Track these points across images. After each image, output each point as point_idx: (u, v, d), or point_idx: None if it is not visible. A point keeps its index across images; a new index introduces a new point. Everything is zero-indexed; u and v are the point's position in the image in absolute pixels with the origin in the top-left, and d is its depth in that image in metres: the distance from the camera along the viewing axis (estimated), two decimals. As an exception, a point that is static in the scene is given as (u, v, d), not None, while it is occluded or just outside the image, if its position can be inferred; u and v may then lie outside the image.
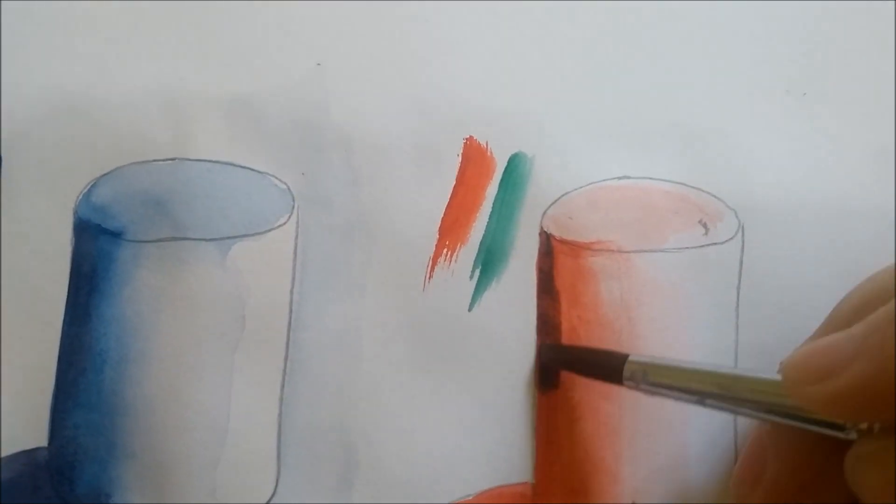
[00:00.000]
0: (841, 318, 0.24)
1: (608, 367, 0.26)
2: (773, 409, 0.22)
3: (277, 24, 0.30)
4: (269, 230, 0.29)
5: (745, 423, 0.29)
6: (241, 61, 0.30)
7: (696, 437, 0.28)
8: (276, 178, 0.30)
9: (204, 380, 0.28)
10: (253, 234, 0.29)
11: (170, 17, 0.30)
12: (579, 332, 0.29)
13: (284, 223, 0.29)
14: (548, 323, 0.29)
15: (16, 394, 0.28)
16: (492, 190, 0.30)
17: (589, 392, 0.28)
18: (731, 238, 0.30)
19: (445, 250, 0.29)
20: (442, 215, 0.30)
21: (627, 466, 0.28)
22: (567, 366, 0.28)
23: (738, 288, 0.29)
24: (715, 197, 0.30)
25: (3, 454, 0.28)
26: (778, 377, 0.22)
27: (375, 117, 0.30)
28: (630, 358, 0.26)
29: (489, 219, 0.30)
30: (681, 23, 0.32)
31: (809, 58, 0.32)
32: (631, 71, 0.31)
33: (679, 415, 0.28)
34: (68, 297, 0.28)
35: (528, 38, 0.31)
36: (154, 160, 0.29)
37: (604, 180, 0.30)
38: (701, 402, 0.24)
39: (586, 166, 0.30)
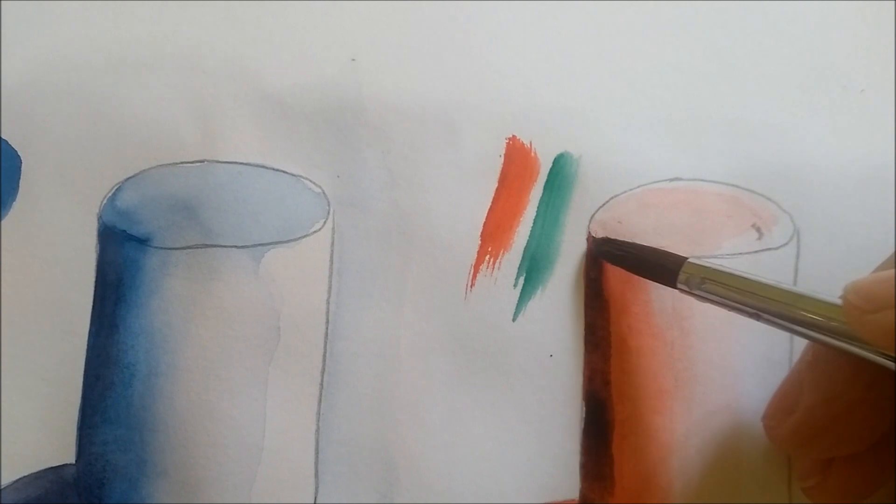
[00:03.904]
0: None
1: (663, 268, 0.25)
2: (827, 331, 0.22)
3: (310, 17, 0.29)
4: (304, 236, 0.28)
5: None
6: (271, 57, 0.29)
7: (750, 453, 0.27)
8: (311, 180, 0.28)
9: (237, 394, 0.27)
10: (287, 241, 0.27)
11: (196, 12, 0.29)
12: (629, 343, 0.28)
13: (320, 229, 0.28)
14: (596, 333, 0.28)
15: (42, 408, 0.27)
16: (536, 192, 0.29)
17: (638, 406, 0.27)
18: (786, 243, 0.29)
19: (488, 257, 0.28)
20: (484, 220, 0.28)
21: (679, 483, 0.27)
22: (620, 261, 0.27)
23: (794, 296, 0.28)
24: (769, 199, 0.29)
25: (30, 471, 0.27)
26: (838, 301, 0.22)
27: (413, 115, 0.29)
28: (689, 259, 0.25)
29: (534, 223, 0.28)
30: (734, 15, 0.30)
31: (868, 52, 0.30)
32: (681, 65, 0.30)
33: (732, 428, 0.27)
34: (94, 307, 0.27)
35: (573, 30, 0.30)
36: (181, 162, 0.28)
37: (654, 182, 0.29)
38: (756, 316, 0.24)
39: (636, 167, 0.29)
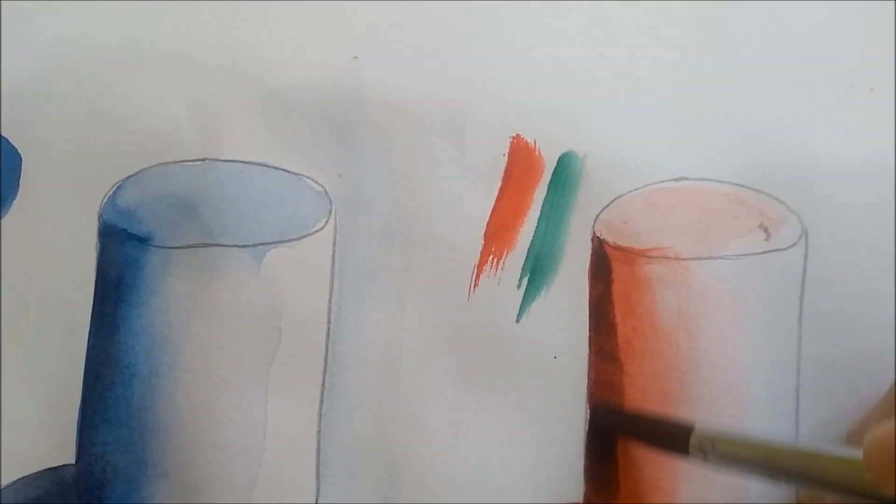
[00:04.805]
0: None
1: (672, 440, 0.24)
2: (852, 488, 0.21)
3: (312, 15, 0.29)
4: (306, 236, 0.27)
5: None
6: (273, 55, 0.28)
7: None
8: (312, 179, 0.28)
9: (238, 395, 0.27)
10: (288, 241, 0.27)
11: (197, 10, 0.28)
12: (634, 345, 0.27)
13: (321, 228, 0.28)
14: (601, 335, 0.27)
15: (41, 408, 0.27)
16: (540, 192, 0.28)
17: (643, 408, 0.27)
18: (794, 244, 0.28)
19: (491, 257, 0.28)
20: (487, 219, 0.28)
21: (684, 486, 0.27)
22: (624, 432, 0.27)
23: (802, 297, 0.28)
24: (776, 199, 0.28)
25: (29, 471, 0.26)
26: (858, 455, 0.20)
27: (415, 114, 0.28)
28: (696, 431, 0.24)
29: (538, 223, 0.28)
30: (741, 13, 0.30)
31: (876, 50, 0.30)
32: (688, 64, 0.29)
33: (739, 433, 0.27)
34: (94, 306, 0.27)
35: (578, 28, 0.29)
36: (182, 161, 0.28)
37: (660, 182, 0.28)
38: (774, 480, 0.23)
39: (641, 166, 0.28)
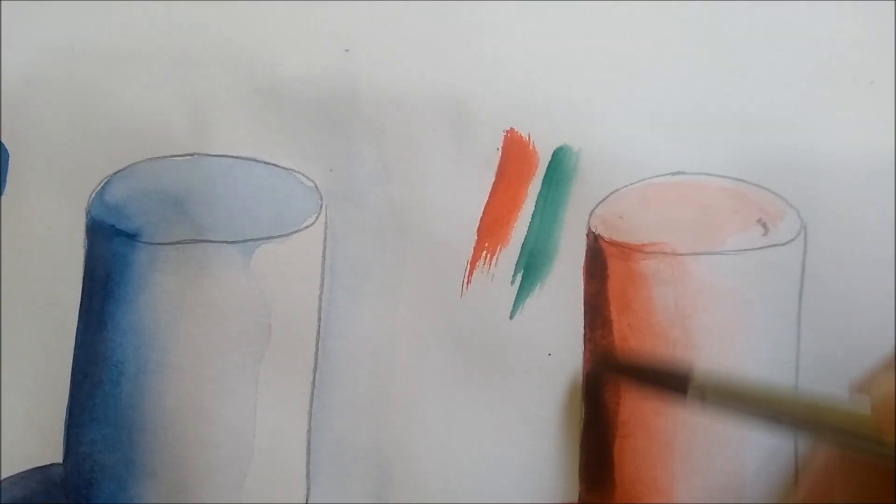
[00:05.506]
0: None
1: (670, 383, 0.24)
2: (854, 440, 0.21)
3: (303, 8, 0.28)
4: (296, 231, 0.27)
5: (806, 441, 0.27)
6: (263, 48, 0.28)
7: (754, 454, 0.27)
8: (303, 174, 0.27)
9: (227, 392, 0.26)
10: (278, 236, 0.27)
11: (187, 3, 0.28)
12: (630, 342, 0.27)
13: (312, 224, 0.27)
14: (596, 331, 0.27)
15: (29, 406, 0.26)
16: (535, 187, 0.28)
17: (639, 406, 0.27)
18: (793, 239, 0.28)
19: (485, 253, 0.27)
20: (481, 215, 0.28)
21: (681, 486, 0.26)
22: (622, 376, 0.26)
23: (801, 293, 0.27)
24: (775, 194, 0.28)
25: (17, 470, 0.26)
26: (865, 409, 0.20)
27: (408, 108, 0.28)
28: (695, 374, 0.23)
29: (532, 218, 0.28)
30: (737, 5, 0.29)
31: (877, 42, 0.29)
32: (684, 56, 0.29)
33: (736, 431, 0.27)
34: (82, 303, 0.27)
35: (573, 20, 0.29)
36: (171, 156, 0.27)
37: (657, 176, 0.28)
38: (773, 426, 0.22)
39: (637, 160, 0.28)
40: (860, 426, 0.20)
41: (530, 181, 0.28)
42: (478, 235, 0.28)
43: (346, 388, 0.27)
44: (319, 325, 0.27)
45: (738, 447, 0.27)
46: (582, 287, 0.27)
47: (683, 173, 0.28)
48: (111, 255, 0.27)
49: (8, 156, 0.27)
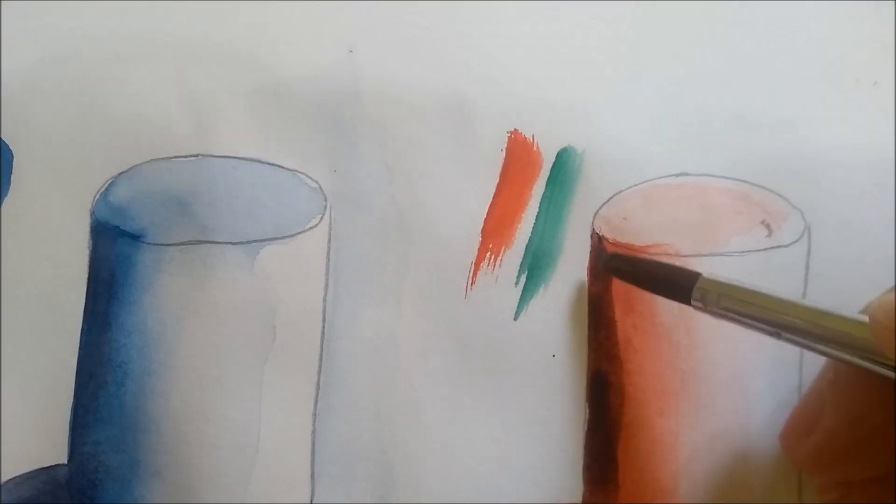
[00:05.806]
0: None
1: (676, 285, 0.24)
2: (853, 349, 0.21)
3: (306, 8, 0.28)
4: (300, 233, 0.27)
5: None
6: (266, 49, 0.28)
7: (758, 455, 0.27)
8: (307, 175, 0.27)
9: (232, 394, 0.26)
10: (282, 238, 0.27)
11: (190, 3, 0.28)
12: (634, 343, 0.27)
13: (316, 225, 0.27)
14: (600, 332, 0.27)
15: (33, 407, 0.26)
16: (538, 188, 0.28)
17: (643, 407, 0.27)
18: (797, 240, 0.28)
19: (489, 254, 0.27)
20: (485, 216, 0.28)
21: (685, 486, 0.26)
22: (630, 278, 0.26)
23: (805, 295, 0.27)
24: (779, 195, 0.28)
25: (21, 471, 0.26)
26: (864, 318, 0.21)
27: (412, 109, 0.28)
28: (702, 277, 0.24)
29: (536, 220, 0.28)
30: (741, 7, 0.29)
31: (880, 43, 0.29)
32: (688, 58, 0.29)
33: (740, 431, 0.27)
34: (86, 304, 0.27)
35: (577, 22, 0.29)
36: (175, 157, 0.27)
37: (660, 177, 0.28)
38: (776, 335, 0.23)
39: (641, 162, 0.28)
40: (858, 330, 0.21)
41: (534, 182, 0.28)
42: (482, 237, 0.28)
43: (351, 389, 0.27)
44: (324, 327, 0.27)
45: (743, 448, 0.27)
46: (586, 288, 0.27)
47: (687, 175, 0.28)
48: (115, 256, 0.27)
49: (12, 157, 0.27)
